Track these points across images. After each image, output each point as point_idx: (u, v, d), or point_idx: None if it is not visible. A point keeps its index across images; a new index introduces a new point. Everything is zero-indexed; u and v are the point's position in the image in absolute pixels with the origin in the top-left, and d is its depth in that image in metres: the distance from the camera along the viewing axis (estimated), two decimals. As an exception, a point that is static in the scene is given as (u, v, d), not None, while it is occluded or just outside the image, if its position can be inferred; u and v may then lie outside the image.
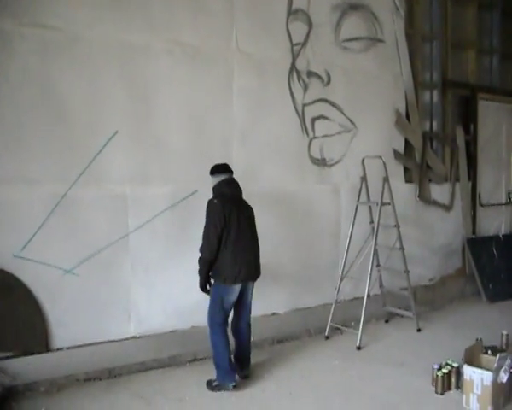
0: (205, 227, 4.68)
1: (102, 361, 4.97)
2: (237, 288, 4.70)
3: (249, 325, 5.01)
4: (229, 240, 4.64)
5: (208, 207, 4.70)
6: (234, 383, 4.70)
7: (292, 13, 6.10)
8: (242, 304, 4.89)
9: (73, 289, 4.87)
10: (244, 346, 4.98)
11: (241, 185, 4.90)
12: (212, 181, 4.86)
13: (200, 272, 4.71)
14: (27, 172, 4.64)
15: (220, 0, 5.60)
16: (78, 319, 4.90)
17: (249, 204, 4.96)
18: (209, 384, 4.78)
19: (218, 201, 4.68)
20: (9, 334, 4.62)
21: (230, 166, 4.95)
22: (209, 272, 4.72)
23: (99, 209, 4.98)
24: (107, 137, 4.97)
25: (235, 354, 4.97)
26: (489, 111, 8.44)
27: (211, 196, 4.80)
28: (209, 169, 4.89)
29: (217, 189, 4.80)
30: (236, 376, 4.79)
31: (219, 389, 4.71)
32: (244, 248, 4.71)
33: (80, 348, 4.91)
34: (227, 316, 4.79)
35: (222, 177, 4.83)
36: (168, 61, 5.29)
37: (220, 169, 4.87)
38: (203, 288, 4.78)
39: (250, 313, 5.00)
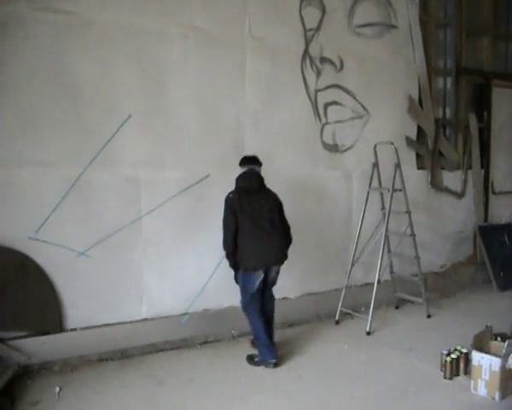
0: (222, 220, 4.89)
1: (115, 342, 5.05)
2: (258, 274, 4.85)
3: (272, 297, 5.15)
4: (245, 230, 4.81)
5: (224, 201, 4.90)
6: (274, 360, 4.90)
7: (305, -2, 6.09)
8: (265, 283, 5.03)
9: (86, 270, 4.95)
10: (266, 314, 5.09)
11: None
12: (239, 172, 5.06)
13: (229, 264, 4.98)
14: (41, 156, 4.71)
15: (234, -15, 5.61)
16: (90, 300, 4.99)
17: (272, 191, 5.07)
18: (250, 359, 5.01)
19: (232, 194, 4.89)
20: (25, 314, 4.71)
21: (245, 151, 5.07)
22: (236, 263, 4.92)
23: (112, 192, 5.04)
24: (121, 121, 5.02)
25: None
26: (503, 98, 8.36)
27: (223, 180, 4.97)
28: (221, 154, 5.13)
29: (235, 182, 4.99)
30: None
31: (259, 365, 4.92)
32: (262, 237, 4.84)
33: (93, 329, 4.99)
34: (255, 297, 4.93)
35: (243, 169, 5.03)
36: (181, 46, 5.31)
37: (244, 161, 5.08)
38: (235, 280, 5.05)
39: (272, 287, 5.13)
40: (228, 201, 4.87)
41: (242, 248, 4.83)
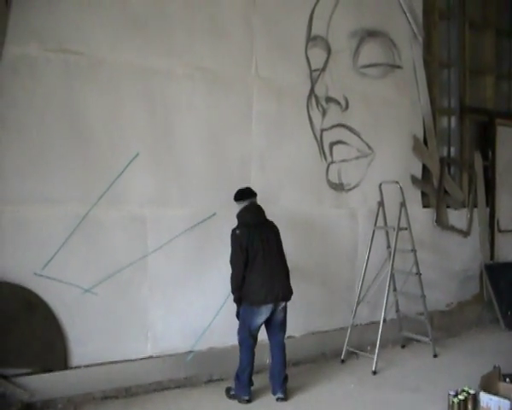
0: (230, 257, 4.90)
1: (119, 380, 5.02)
2: (264, 310, 4.85)
3: (281, 346, 5.06)
4: (255, 265, 4.83)
5: (231, 237, 4.91)
6: (247, 397, 4.90)
7: (311, 39, 6.19)
8: (271, 324, 5.00)
9: (92, 307, 4.94)
10: (275, 367, 5.04)
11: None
12: (236, 207, 5.05)
13: (234, 299, 4.97)
14: (50, 193, 4.74)
15: (240, 26, 5.72)
16: (96, 337, 4.96)
17: (273, 223, 5.10)
18: (227, 391, 5.05)
19: (239, 231, 4.88)
20: (29, 351, 4.69)
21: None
22: (240, 297, 4.91)
23: (119, 230, 5.06)
24: (129, 159, 5.07)
25: (269, 373, 5.11)
26: (507, 136, 8.42)
27: (230, 218, 4.95)
28: (228, 193, 5.11)
29: (239, 217, 4.99)
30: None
31: (234, 398, 4.95)
32: (270, 272, 4.86)
33: (98, 366, 4.96)
34: (253, 336, 4.93)
35: (244, 203, 5.03)
36: (188, 86, 5.39)
37: (242, 196, 5.06)
38: (237, 315, 5.03)
39: (283, 333, 5.08)
40: (237, 237, 4.86)
41: (251, 283, 4.82)
